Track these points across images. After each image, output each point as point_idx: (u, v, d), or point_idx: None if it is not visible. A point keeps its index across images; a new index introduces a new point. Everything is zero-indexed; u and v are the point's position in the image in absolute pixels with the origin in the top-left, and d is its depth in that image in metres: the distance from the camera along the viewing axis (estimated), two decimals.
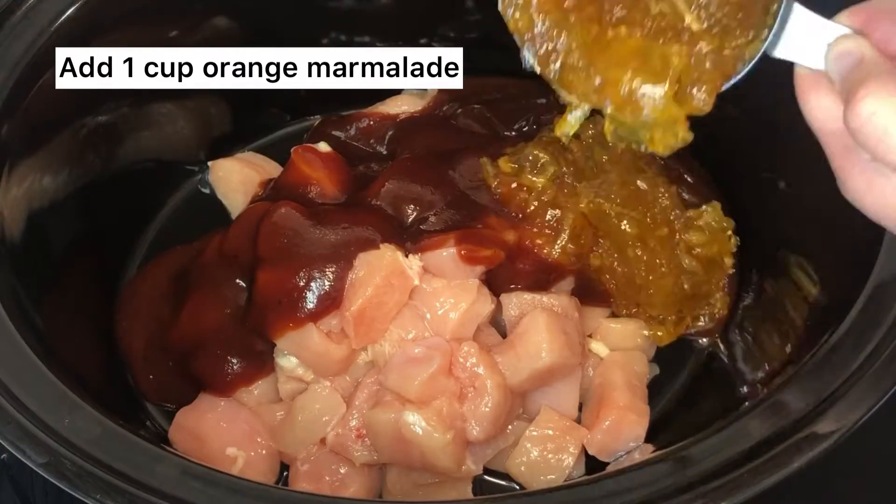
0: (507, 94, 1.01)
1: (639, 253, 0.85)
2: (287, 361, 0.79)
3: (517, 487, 0.79)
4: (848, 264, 0.70)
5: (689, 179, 0.93)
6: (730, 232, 0.86)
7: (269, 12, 0.92)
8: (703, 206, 0.87)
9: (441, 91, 1.00)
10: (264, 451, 0.79)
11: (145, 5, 0.84)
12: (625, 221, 0.85)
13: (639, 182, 0.88)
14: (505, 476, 0.80)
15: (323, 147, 0.92)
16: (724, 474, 0.55)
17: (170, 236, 0.95)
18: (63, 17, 0.78)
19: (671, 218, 0.86)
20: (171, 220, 0.97)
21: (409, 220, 0.85)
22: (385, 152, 0.97)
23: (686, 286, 0.85)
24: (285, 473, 0.80)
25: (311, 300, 0.77)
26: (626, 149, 0.88)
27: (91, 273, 0.88)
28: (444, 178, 0.88)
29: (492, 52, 0.89)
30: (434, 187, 0.86)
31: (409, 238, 0.83)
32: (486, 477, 0.80)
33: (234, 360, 0.81)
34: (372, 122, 0.99)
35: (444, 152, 0.92)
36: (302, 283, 0.77)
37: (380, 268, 0.78)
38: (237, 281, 0.83)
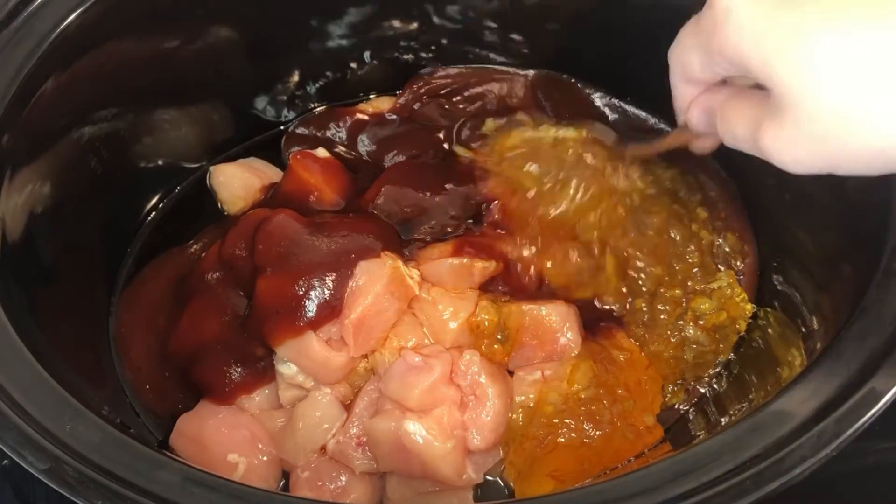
0: (464, 82, 1.02)
1: (644, 307, 0.84)
2: (287, 368, 0.79)
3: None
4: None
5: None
6: (742, 297, 0.85)
7: (270, 21, 0.92)
8: (718, 272, 0.86)
9: (410, 86, 1.01)
10: (265, 458, 0.78)
11: (146, 14, 0.83)
12: (642, 275, 0.85)
13: (673, 232, 0.87)
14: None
15: (321, 153, 0.93)
16: (724, 481, 0.55)
17: (171, 241, 0.94)
18: (62, 25, 0.78)
19: (691, 276, 0.85)
20: (173, 225, 0.97)
21: (406, 226, 0.85)
22: (368, 158, 0.97)
23: (687, 356, 0.84)
24: (285, 482, 0.80)
25: (310, 308, 0.77)
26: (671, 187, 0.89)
27: (93, 277, 0.88)
28: (440, 184, 0.88)
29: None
30: (430, 193, 0.87)
31: (407, 245, 0.83)
32: (488, 477, 0.80)
33: (235, 368, 0.80)
34: (350, 121, 0.99)
35: (439, 156, 0.93)
36: (301, 292, 0.77)
37: (381, 276, 0.78)
38: (236, 288, 0.83)
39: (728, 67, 0.57)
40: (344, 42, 0.98)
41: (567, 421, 0.77)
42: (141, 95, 0.87)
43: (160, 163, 0.96)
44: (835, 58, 0.49)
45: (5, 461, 0.75)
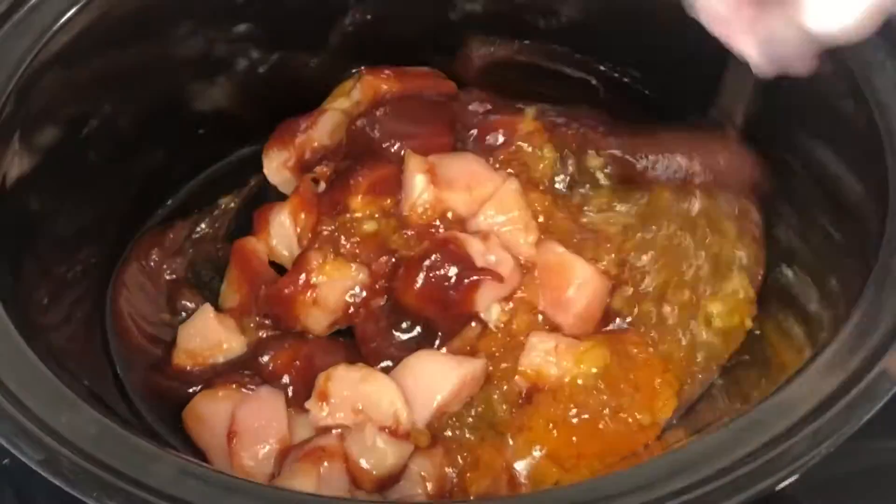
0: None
1: (651, 308, 0.83)
2: None
3: None
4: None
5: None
6: (752, 297, 0.84)
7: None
8: (730, 275, 0.84)
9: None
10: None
11: (147, 7, 0.83)
12: (647, 279, 0.84)
13: (684, 237, 0.86)
14: None
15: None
16: (720, 478, 0.55)
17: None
18: (63, 19, 0.78)
19: (701, 279, 0.84)
20: (175, 213, 0.98)
21: None
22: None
23: (699, 358, 0.83)
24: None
25: None
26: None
27: (90, 265, 0.88)
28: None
29: None
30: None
31: None
32: None
33: None
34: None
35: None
36: None
37: None
38: None
39: None
40: None
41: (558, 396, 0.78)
42: (140, 91, 0.87)
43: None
44: None
45: (6, 460, 0.75)
